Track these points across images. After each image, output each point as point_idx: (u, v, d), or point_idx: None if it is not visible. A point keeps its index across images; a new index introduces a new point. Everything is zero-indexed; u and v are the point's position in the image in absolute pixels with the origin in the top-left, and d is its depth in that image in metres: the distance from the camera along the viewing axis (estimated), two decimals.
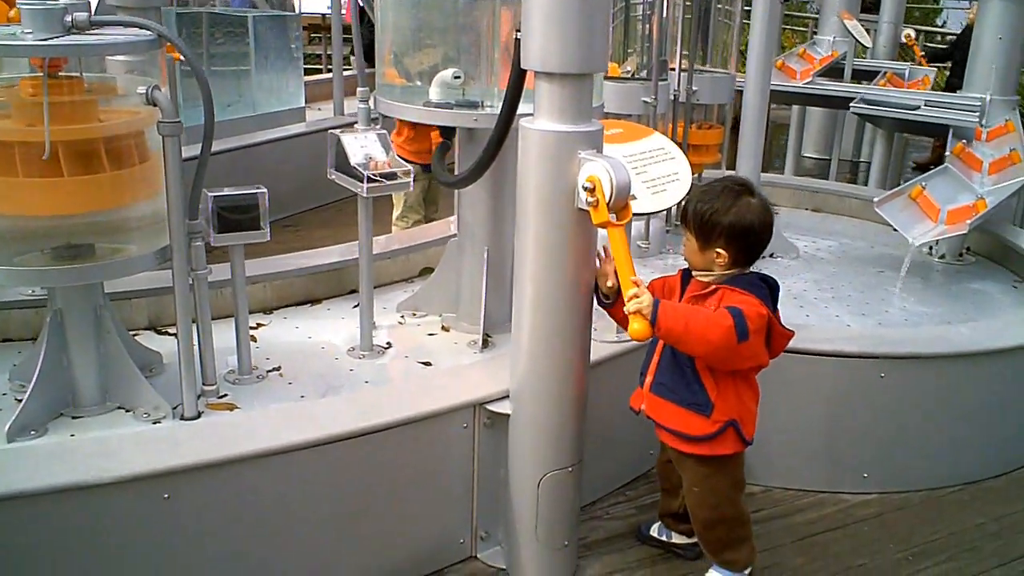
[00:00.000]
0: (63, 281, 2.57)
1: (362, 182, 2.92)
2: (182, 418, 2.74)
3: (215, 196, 2.78)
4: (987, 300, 4.15)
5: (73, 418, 2.74)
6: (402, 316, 3.61)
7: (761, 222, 2.38)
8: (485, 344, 3.32)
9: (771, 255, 4.51)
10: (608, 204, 2.25)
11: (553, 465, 2.58)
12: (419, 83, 3.13)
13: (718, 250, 2.40)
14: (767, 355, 2.40)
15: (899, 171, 7.21)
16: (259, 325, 3.48)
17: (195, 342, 2.80)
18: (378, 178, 2.95)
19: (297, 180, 6.41)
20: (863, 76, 7.42)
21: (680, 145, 4.58)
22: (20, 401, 2.65)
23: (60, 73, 2.53)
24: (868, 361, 3.11)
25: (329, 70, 10.97)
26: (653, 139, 3.10)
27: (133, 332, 3.33)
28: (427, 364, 3.21)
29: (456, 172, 3.36)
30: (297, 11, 7.95)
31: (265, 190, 2.84)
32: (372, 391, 2.79)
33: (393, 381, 3.04)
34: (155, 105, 2.48)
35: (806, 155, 8.97)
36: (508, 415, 2.64)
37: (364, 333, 3.24)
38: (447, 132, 3.22)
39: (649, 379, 2.58)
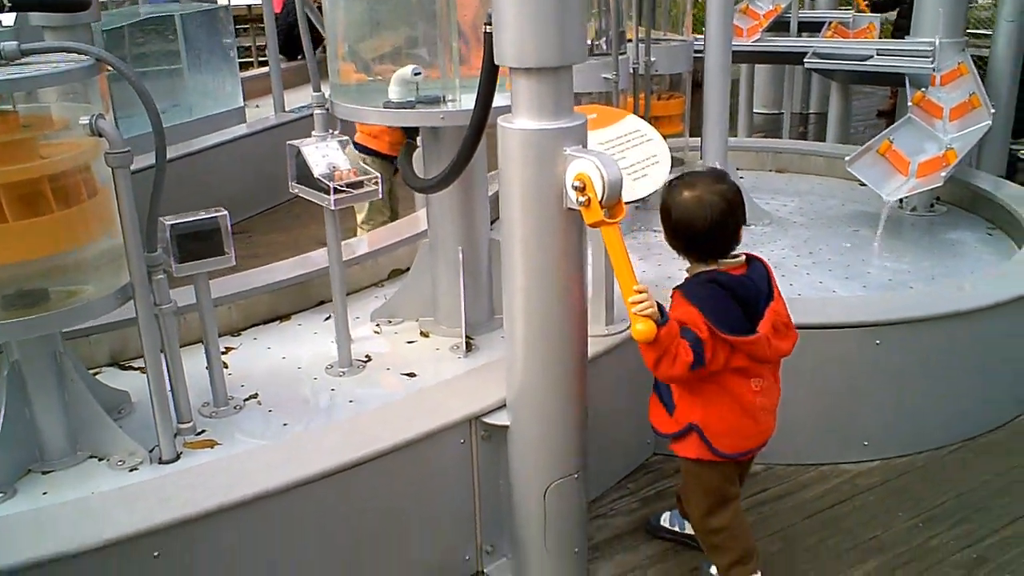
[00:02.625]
0: (18, 335, 2.38)
1: (329, 195, 2.76)
2: (160, 461, 2.59)
3: (173, 224, 2.60)
4: (966, 250, 4.12)
5: (43, 473, 2.57)
6: (377, 325, 3.47)
7: (696, 218, 2.28)
8: (468, 348, 3.19)
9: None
10: (601, 202, 2.13)
11: (558, 474, 2.47)
12: (379, 77, 2.95)
13: (667, 236, 2.40)
14: (738, 359, 2.28)
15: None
16: (228, 349, 3.31)
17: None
18: (345, 188, 2.79)
19: (243, 184, 6.19)
20: (808, 28, 7.36)
21: (644, 119, 4.50)
22: None
23: None
24: (863, 330, 3.05)
25: (262, 63, 10.68)
26: (627, 122, 2.98)
27: (95, 370, 3.15)
28: (411, 375, 3.07)
29: (422, 172, 3.22)
30: (227, 3, 7.57)
31: (226, 212, 2.67)
32: (361, 416, 2.65)
33: (379, 399, 2.89)
34: (101, 135, 2.29)
35: (756, 111, 8.91)
36: (507, 427, 2.52)
37: (342, 349, 3.09)
38: (411, 132, 3.06)
39: None
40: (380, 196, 2.90)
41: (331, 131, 3.05)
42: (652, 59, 4.39)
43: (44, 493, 2.48)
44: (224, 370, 3.12)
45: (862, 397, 3.15)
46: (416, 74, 2.89)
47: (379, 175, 2.85)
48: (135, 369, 3.16)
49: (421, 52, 2.92)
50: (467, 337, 3.20)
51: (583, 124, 2.24)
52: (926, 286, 3.68)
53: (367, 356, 3.21)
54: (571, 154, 2.16)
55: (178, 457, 2.61)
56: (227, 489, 2.21)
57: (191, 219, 2.64)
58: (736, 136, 7.55)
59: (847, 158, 4.18)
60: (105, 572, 2.09)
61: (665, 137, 4.66)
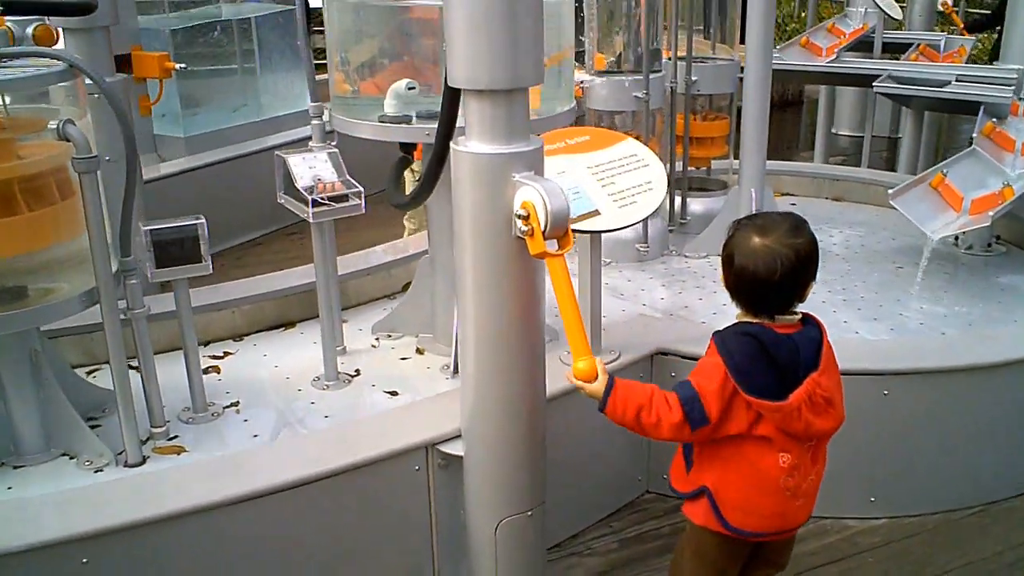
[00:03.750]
0: None
1: (308, 207, 2.74)
2: (126, 465, 2.61)
3: (151, 230, 2.62)
4: (1015, 296, 3.81)
5: (15, 468, 2.63)
6: (377, 338, 3.43)
7: (760, 270, 1.96)
8: (458, 369, 3.11)
9: None
10: (544, 232, 2.03)
11: (509, 510, 2.38)
12: (354, 88, 2.92)
13: (723, 278, 2.08)
14: (764, 427, 1.99)
15: (936, 153, 6.78)
16: (226, 354, 3.33)
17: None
18: (326, 201, 2.76)
19: None
20: (895, 49, 7.01)
21: (681, 139, 4.35)
22: None
23: None
24: (870, 379, 2.85)
25: None
26: (624, 145, 2.86)
27: (95, 366, 3.21)
28: (393, 394, 3.02)
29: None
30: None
31: (203, 220, 2.67)
32: (320, 433, 2.62)
33: (351, 417, 2.85)
34: (68, 140, 2.32)
35: (840, 133, 8.55)
36: (461, 456, 2.44)
37: (328, 362, 3.07)
38: (406, 147, 3.01)
39: None
40: (363, 211, 2.86)
41: (329, 142, 3.04)
42: (694, 78, 4.23)
43: (9, 488, 2.53)
44: (215, 375, 3.17)
45: (869, 450, 2.95)
46: (410, 88, 2.85)
47: (361, 189, 2.81)
48: (132, 368, 3.19)
49: (414, 66, 2.88)
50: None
51: (538, 149, 2.14)
52: (956, 333, 3.41)
53: (356, 370, 3.18)
54: (519, 180, 2.07)
55: (144, 461, 2.63)
56: (158, 501, 2.21)
57: (169, 225, 2.65)
58: (813, 160, 7.28)
59: (890, 191, 3.93)
60: (34, 574, 2.11)
61: (708, 159, 4.58)
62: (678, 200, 4.50)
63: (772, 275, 1.96)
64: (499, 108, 2.08)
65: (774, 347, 1.99)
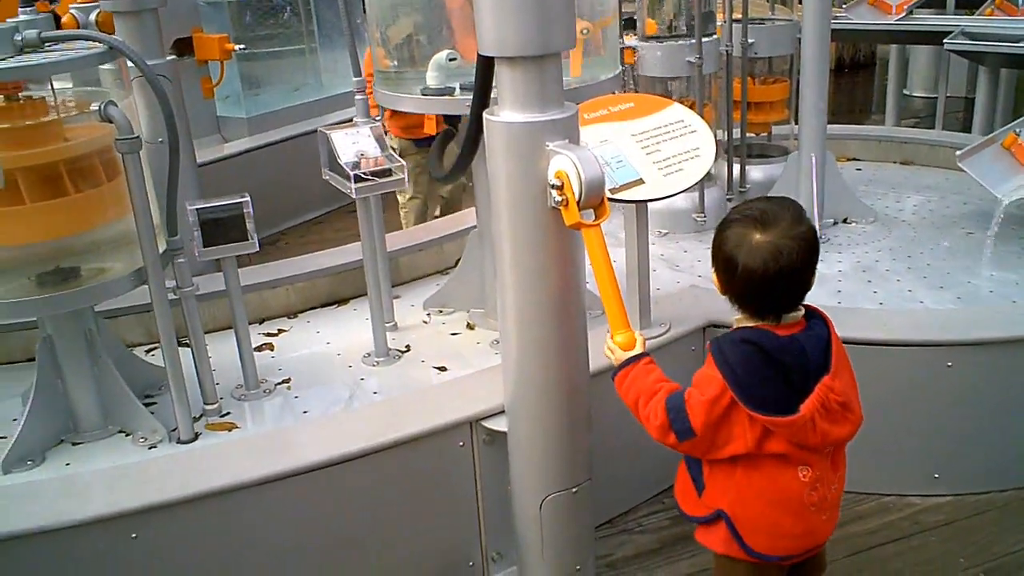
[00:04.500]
0: (38, 311, 2.50)
1: (351, 182, 2.73)
2: (179, 441, 2.66)
3: (197, 209, 2.65)
4: None
5: (73, 444, 2.70)
6: (428, 314, 3.42)
7: (771, 269, 1.75)
8: None
9: (844, 220, 4.08)
10: (578, 202, 1.98)
11: (554, 487, 2.34)
12: (395, 62, 2.90)
13: (719, 282, 1.90)
14: (776, 443, 1.81)
15: (1015, 113, 6.47)
16: (280, 331, 3.37)
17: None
18: (369, 176, 2.75)
19: None
20: (970, 4, 6.70)
21: (739, 104, 4.23)
22: None
23: (22, 94, 2.44)
24: (932, 349, 2.73)
25: None
26: (670, 111, 2.77)
27: (152, 345, 3.27)
28: (443, 369, 3.01)
29: None
30: None
31: (248, 198, 2.68)
32: (364, 409, 2.63)
33: (399, 393, 2.85)
34: (110, 122, 2.35)
35: (914, 94, 8.24)
36: (506, 432, 2.42)
37: (377, 339, 3.07)
38: (450, 120, 2.98)
39: None
40: (406, 185, 2.84)
41: (374, 117, 3.02)
42: (750, 40, 4.10)
43: (67, 464, 2.60)
44: (269, 352, 3.20)
45: (933, 424, 2.83)
46: (451, 59, 2.81)
47: (405, 164, 2.79)
48: (184, 345, 3.25)
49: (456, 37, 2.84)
50: None
51: (572, 117, 2.08)
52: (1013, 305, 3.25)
53: (407, 346, 3.18)
54: (552, 149, 2.02)
55: (196, 438, 2.67)
56: (206, 477, 2.24)
57: (215, 204, 2.67)
58: (884, 124, 7.03)
59: (958, 152, 3.76)
60: (86, 548, 2.16)
61: (767, 124, 4.45)
62: (736, 167, 4.37)
63: (781, 274, 1.76)
64: (531, 75, 2.02)
65: (779, 353, 1.79)
